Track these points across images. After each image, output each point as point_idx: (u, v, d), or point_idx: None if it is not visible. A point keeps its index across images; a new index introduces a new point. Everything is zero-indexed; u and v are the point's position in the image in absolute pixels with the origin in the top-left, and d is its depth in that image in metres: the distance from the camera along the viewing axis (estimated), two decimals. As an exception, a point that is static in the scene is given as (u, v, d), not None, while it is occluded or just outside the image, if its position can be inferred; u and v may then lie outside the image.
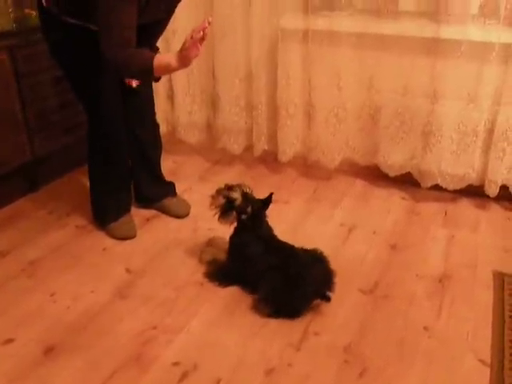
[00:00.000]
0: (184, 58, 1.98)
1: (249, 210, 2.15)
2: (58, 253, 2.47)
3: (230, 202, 2.15)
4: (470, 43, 2.58)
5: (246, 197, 2.16)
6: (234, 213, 2.16)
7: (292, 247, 2.13)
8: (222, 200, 2.17)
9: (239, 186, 2.19)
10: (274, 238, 2.21)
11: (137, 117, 2.55)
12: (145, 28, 2.17)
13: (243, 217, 2.16)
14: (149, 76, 2.09)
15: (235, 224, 2.21)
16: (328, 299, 2.05)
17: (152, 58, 1.99)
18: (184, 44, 1.96)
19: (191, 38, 1.93)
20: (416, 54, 2.74)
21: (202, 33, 1.91)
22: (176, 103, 3.36)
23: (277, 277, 2.02)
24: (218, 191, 2.21)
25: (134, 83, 2.41)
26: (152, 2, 2.07)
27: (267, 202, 2.18)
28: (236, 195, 2.15)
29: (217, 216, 2.20)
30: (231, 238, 2.24)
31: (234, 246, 2.23)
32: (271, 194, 2.18)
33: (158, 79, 2.31)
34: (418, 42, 2.71)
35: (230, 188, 2.19)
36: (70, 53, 2.23)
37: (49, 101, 2.91)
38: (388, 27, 2.75)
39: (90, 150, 2.50)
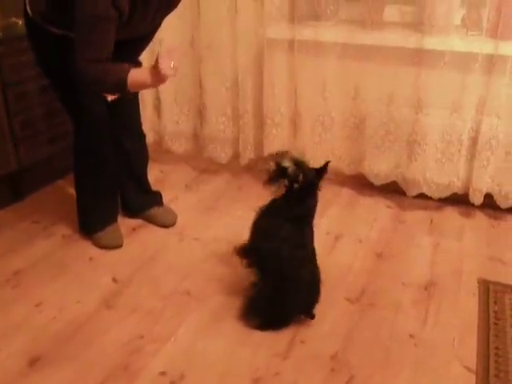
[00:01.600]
0: (157, 74, 1.96)
1: (300, 178, 1.95)
2: (43, 263, 2.45)
3: (281, 170, 1.95)
4: (453, 54, 2.61)
5: (298, 164, 1.97)
6: (286, 181, 1.96)
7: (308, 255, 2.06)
8: (272, 166, 1.97)
9: (290, 154, 2.01)
10: (307, 231, 2.07)
11: (123, 126, 2.55)
12: (128, 43, 2.19)
13: (295, 185, 1.96)
14: (122, 92, 2.05)
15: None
16: (312, 317, 2.06)
17: (126, 74, 1.97)
18: (156, 60, 1.95)
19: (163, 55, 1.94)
20: (400, 64, 2.77)
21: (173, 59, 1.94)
22: (163, 113, 3.36)
23: (264, 288, 2.02)
24: (269, 157, 2.03)
25: (109, 97, 2.38)
26: (135, 18, 2.07)
27: (322, 170, 2.00)
28: (287, 163, 1.95)
29: (264, 181, 1.99)
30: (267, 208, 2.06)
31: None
32: (327, 163, 2.01)
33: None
34: (402, 52, 2.74)
35: (281, 155, 2.00)
36: (55, 62, 2.22)
37: (34, 110, 2.90)
38: (373, 37, 2.78)
39: (75, 160, 2.50)
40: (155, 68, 1.96)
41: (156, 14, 2.18)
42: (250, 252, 2.12)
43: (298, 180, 1.95)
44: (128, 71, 1.98)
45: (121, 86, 1.99)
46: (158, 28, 2.37)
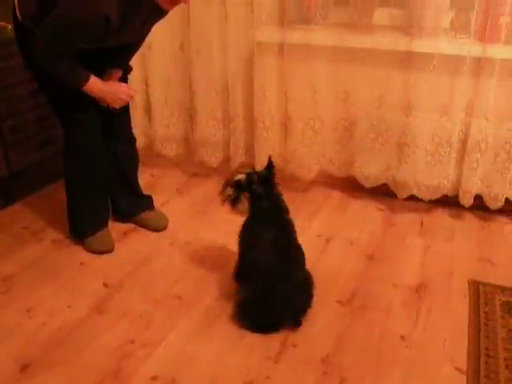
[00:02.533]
0: (108, 94, 2.25)
1: (254, 177, 2.09)
2: (33, 268, 2.44)
3: (236, 184, 2.10)
4: (442, 56, 2.63)
5: (249, 172, 2.12)
6: (246, 193, 2.09)
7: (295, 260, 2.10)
8: (229, 190, 2.11)
9: (239, 172, 2.17)
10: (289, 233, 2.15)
11: (113, 131, 2.54)
12: (118, 49, 2.20)
13: (254, 187, 2.08)
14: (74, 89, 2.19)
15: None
16: (298, 325, 2.07)
17: (83, 84, 2.16)
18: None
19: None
20: (390, 66, 2.79)
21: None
22: (153, 116, 3.36)
23: (251, 291, 2.04)
24: (224, 185, 2.15)
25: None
26: (126, 27, 2.08)
27: (269, 165, 2.10)
28: (238, 176, 2.11)
29: (231, 208, 2.13)
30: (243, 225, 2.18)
31: (245, 230, 2.17)
32: (269, 157, 2.12)
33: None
34: (391, 55, 2.75)
35: (228, 179, 2.15)
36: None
37: (24, 115, 2.89)
38: (362, 41, 2.79)
39: (66, 164, 2.49)
40: (109, 89, 2.25)
41: (146, 22, 2.19)
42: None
43: (254, 181, 2.08)
44: (85, 81, 2.16)
45: (74, 86, 2.16)
46: (147, 34, 2.38)
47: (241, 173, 2.13)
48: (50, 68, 2.11)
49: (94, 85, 2.19)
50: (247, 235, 2.15)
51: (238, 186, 2.10)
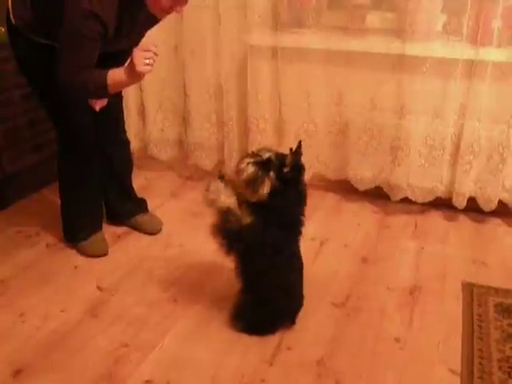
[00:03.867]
0: (132, 71, 2.01)
1: (288, 160, 1.81)
2: (27, 272, 2.44)
3: (264, 163, 1.80)
4: (434, 59, 2.65)
5: (278, 153, 1.85)
6: (271, 174, 1.80)
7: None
8: (251, 168, 1.81)
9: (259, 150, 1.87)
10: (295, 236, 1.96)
11: (107, 134, 2.54)
12: (113, 54, 2.21)
13: (285, 170, 1.80)
14: (104, 95, 2.13)
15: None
16: (293, 323, 2.07)
17: (104, 79, 2.02)
18: (131, 58, 2.00)
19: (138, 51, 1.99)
20: (383, 70, 2.80)
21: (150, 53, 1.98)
22: (147, 120, 3.36)
23: (248, 296, 2.02)
24: (241, 161, 1.86)
25: (98, 106, 2.39)
26: (121, 34, 2.10)
27: (298, 150, 1.86)
28: (267, 154, 1.82)
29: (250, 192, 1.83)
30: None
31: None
32: (299, 142, 1.86)
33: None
34: (384, 58, 2.77)
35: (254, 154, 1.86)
36: (38, 70, 2.22)
37: (18, 118, 2.89)
38: (355, 44, 2.80)
39: (60, 168, 2.49)
40: (130, 65, 2.00)
41: (141, 28, 2.21)
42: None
43: (286, 163, 1.81)
44: (105, 75, 2.02)
45: (101, 90, 2.06)
46: (142, 38, 2.38)
47: (265, 150, 1.85)
48: (74, 84, 2.05)
49: (116, 75, 2.05)
50: (266, 241, 1.87)
51: (266, 165, 1.79)
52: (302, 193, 1.91)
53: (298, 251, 2.03)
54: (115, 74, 2.05)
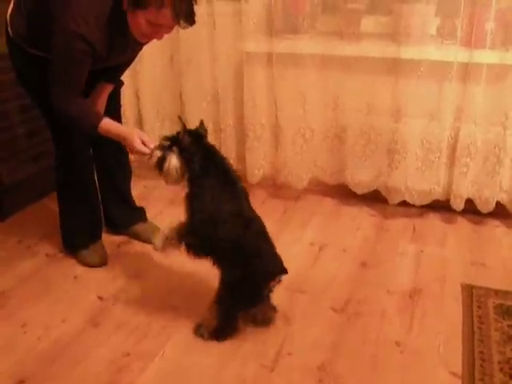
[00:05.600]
0: (123, 142, 2.15)
1: (181, 132, 1.94)
2: (28, 282, 2.44)
3: (168, 146, 1.96)
4: (429, 63, 2.66)
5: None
6: (174, 148, 1.94)
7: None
8: (158, 153, 1.98)
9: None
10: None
11: (105, 142, 2.53)
12: (109, 68, 2.23)
13: (181, 137, 1.94)
14: (93, 134, 2.16)
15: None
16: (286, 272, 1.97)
17: (99, 121, 2.10)
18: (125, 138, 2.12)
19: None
20: (378, 74, 2.81)
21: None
22: (145, 128, 3.36)
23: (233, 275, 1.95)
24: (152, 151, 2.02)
25: None
26: (115, 54, 2.13)
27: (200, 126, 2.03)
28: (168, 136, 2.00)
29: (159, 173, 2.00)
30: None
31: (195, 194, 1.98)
32: (201, 120, 2.05)
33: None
34: (379, 62, 2.78)
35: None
36: (35, 82, 2.22)
37: (16, 129, 2.90)
38: (351, 48, 2.81)
39: (57, 177, 2.49)
40: (124, 141, 2.14)
41: (135, 46, 2.22)
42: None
43: (180, 134, 1.95)
44: (100, 119, 2.11)
45: (92, 130, 2.12)
46: (139, 52, 2.39)
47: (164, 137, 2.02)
48: (68, 112, 2.10)
49: (110, 128, 2.13)
50: (200, 208, 1.94)
51: (169, 147, 1.95)
52: (211, 151, 2.01)
53: (251, 213, 2.00)
54: (110, 127, 2.13)
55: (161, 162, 1.97)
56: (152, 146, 2.06)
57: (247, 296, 1.99)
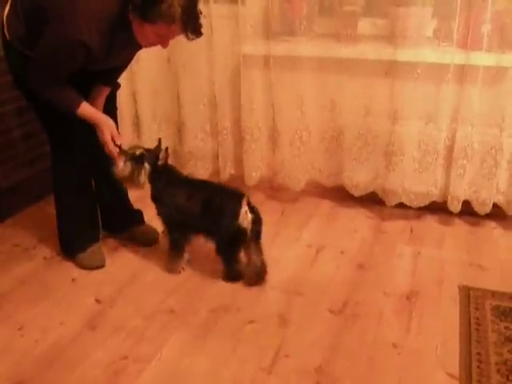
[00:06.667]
0: (96, 127, 2.25)
1: (161, 155, 2.39)
2: (25, 285, 2.44)
3: (138, 158, 2.36)
4: (426, 65, 2.67)
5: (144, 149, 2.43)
6: (146, 165, 2.37)
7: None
8: (128, 165, 2.36)
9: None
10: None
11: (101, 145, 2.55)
12: (107, 70, 2.23)
13: (159, 163, 2.38)
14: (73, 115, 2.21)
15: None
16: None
17: (77, 106, 2.16)
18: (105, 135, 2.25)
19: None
20: (375, 76, 2.82)
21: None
22: (142, 130, 3.37)
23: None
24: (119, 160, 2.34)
25: None
26: (113, 55, 2.12)
27: (158, 146, 2.42)
28: (138, 150, 2.39)
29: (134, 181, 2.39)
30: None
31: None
32: (159, 139, 2.44)
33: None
34: (376, 64, 2.79)
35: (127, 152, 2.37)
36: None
37: (13, 132, 2.89)
38: (347, 51, 2.82)
39: (54, 181, 2.49)
40: (97, 127, 2.25)
41: (133, 47, 2.22)
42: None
43: (160, 157, 2.38)
44: (78, 104, 2.17)
45: (69, 112, 2.18)
46: (134, 55, 2.40)
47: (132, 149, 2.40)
48: (44, 95, 2.14)
49: (88, 112, 2.21)
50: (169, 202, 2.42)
51: (139, 160, 2.36)
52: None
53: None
54: (87, 112, 2.20)
55: (132, 173, 2.37)
56: (118, 143, 2.30)
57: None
